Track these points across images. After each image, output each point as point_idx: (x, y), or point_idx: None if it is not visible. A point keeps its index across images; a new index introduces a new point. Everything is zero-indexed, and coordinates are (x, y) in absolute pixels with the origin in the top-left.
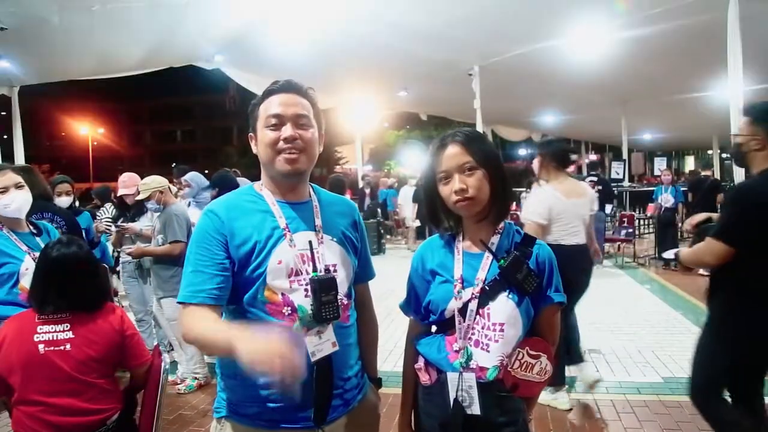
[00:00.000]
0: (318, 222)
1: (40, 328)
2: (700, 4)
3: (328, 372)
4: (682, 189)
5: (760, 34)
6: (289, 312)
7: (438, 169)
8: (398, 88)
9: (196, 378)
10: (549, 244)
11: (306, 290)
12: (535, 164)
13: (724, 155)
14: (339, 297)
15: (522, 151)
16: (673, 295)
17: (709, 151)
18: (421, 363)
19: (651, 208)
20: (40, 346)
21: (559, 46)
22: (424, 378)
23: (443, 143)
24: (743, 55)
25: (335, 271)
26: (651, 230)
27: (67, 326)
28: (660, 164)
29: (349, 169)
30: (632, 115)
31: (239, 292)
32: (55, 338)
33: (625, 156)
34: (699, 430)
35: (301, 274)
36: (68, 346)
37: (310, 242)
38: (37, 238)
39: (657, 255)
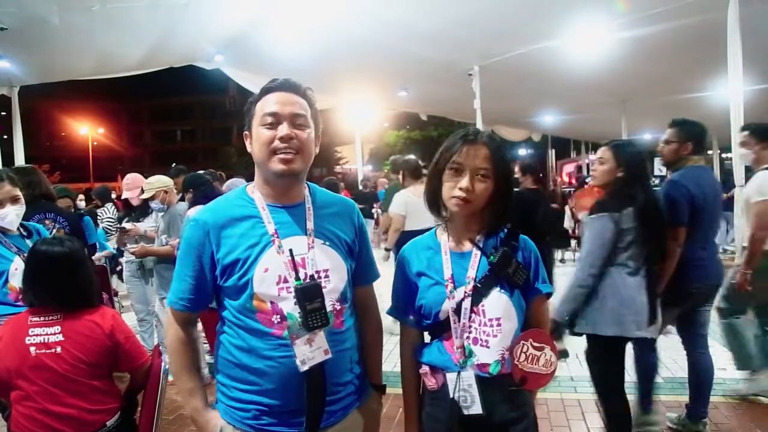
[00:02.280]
0: (310, 225)
1: (32, 331)
2: (700, 4)
3: (320, 380)
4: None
5: (760, 34)
6: (279, 320)
7: (455, 157)
8: (398, 88)
9: None
10: (409, 229)
11: (295, 298)
12: (399, 176)
13: (724, 155)
14: (331, 303)
15: (522, 151)
16: None
17: (709, 151)
18: (426, 368)
19: None
20: (32, 349)
21: (560, 46)
22: (431, 382)
23: (474, 138)
24: (743, 55)
25: (326, 276)
26: None
27: (57, 329)
28: (660, 164)
29: (348, 169)
30: (632, 115)
31: (230, 300)
32: (46, 341)
33: None
34: None
35: (289, 281)
36: (59, 349)
37: (290, 250)
38: (27, 240)
39: None
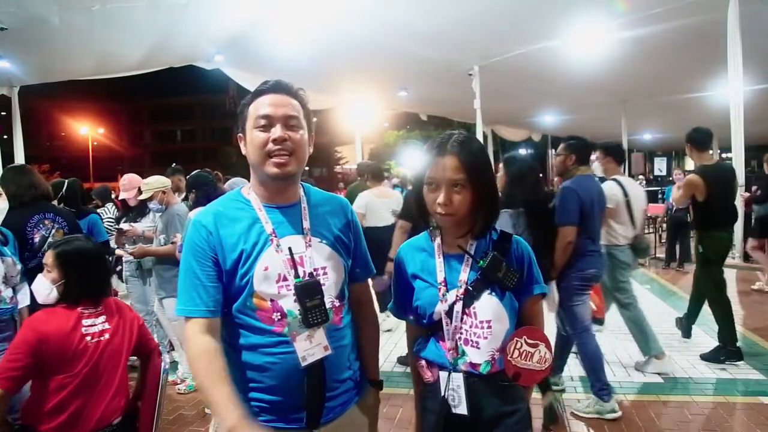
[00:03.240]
0: (306, 224)
1: (85, 321)
2: (700, 4)
3: (320, 376)
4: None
5: (760, 34)
6: (279, 317)
7: (429, 173)
8: (398, 88)
9: None
10: (368, 226)
11: (295, 295)
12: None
13: (724, 155)
14: (330, 299)
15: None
16: (673, 296)
17: (710, 151)
18: (423, 362)
19: (651, 209)
20: (88, 338)
21: (560, 46)
22: (427, 375)
23: (442, 150)
24: (743, 55)
25: (324, 273)
26: (651, 230)
27: (103, 318)
28: (660, 164)
29: (349, 169)
30: (632, 115)
31: (230, 300)
32: (98, 330)
33: (624, 156)
34: (700, 430)
35: (289, 279)
36: (107, 336)
37: (290, 248)
38: (4, 248)
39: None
